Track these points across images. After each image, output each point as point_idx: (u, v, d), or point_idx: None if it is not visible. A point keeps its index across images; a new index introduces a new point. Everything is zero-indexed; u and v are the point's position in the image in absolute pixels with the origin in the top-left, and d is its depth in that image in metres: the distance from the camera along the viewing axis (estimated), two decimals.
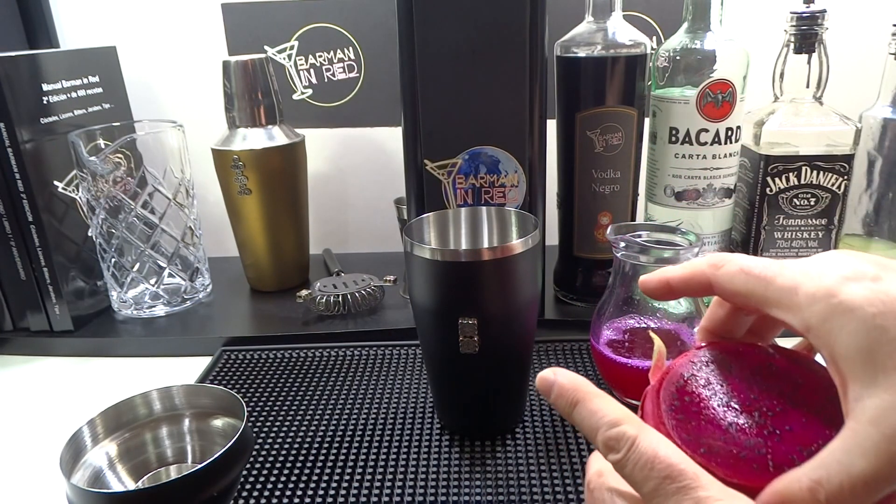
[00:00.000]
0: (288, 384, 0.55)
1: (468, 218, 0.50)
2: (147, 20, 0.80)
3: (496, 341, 0.44)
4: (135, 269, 0.68)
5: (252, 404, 0.53)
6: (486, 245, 0.50)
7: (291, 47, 0.80)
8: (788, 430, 0.23)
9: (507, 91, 0.54)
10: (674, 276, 0.27)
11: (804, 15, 0.59)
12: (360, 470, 0.45)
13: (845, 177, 0.61)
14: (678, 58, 0.60)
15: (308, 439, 0.48)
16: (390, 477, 0.44)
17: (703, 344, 0.27)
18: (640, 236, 0.49)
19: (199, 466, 0.36)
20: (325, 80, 0.81)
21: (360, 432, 0.49)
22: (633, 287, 0.49)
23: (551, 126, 0.60)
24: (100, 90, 0.71)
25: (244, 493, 0.43)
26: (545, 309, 0.65)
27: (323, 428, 0.49)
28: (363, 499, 0.42)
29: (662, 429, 0.23)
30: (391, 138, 0.82)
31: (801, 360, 0.26)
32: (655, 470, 0.21)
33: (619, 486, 0.24)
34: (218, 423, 0.43)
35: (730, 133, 0.60)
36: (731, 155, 0.61)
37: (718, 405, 0.24)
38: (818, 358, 0.26)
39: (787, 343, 0.27)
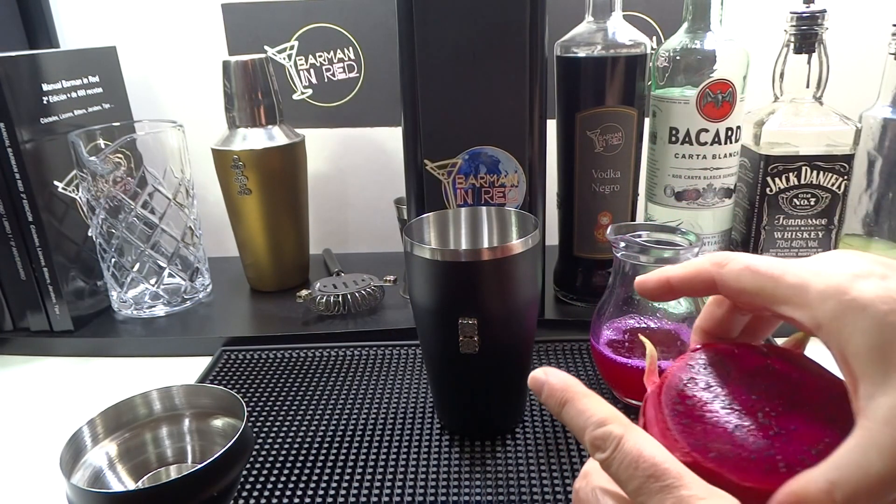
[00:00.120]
0: (288, 384, 0.55)
1: (468, 218, 0.50)
2: (147, 20, 0.80)
3: (496, 341, 0.44)
4: (135, 269, 0.68)
5: (252, 404, 0.53)
6: (486, 245, 0.50)
7: (291, 47, 0.80)
8: (794, 430, 0.22)
9: (507, 91, 0.54)
10: (675, 275, 0.27)
11: (804, 15, 0.59)
12: (360, 470, 0.45)
13: (845, 177, 0.61)
14: (678, 58, 0.60)
15: (308, 439, 0.48)
16: (390, 477, 0.44)
17: (699, 346, 0.27)
18: (640, 236, 0.49)
19: (199, 466, 0.36)
20: (325, 80, 0.81)
21: (360, 432, 0.49)
22: (633, 287, 0.49)
23: (551, 126, 0.60)
24: (100, 90, 0.71)
25: (244, 493, 0.43)
26: (545, 309, 0.65)
27: (323, 428, 0.49)
28: (363, 499, 0.42)
29: (669, 435, 0.23)
30: (391, 138, 0.82)
31: (796, 359, 0.25)
32: (640, 469, 0.21)
33: (607, 485, 0.24)
34: (218, 423, 0.43)
35: (730, 133, 0.60)
36: (731, 155, 0.61)
37: (721, 408, 0.24)
38: (813, 356, 0.26)
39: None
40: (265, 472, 0.45)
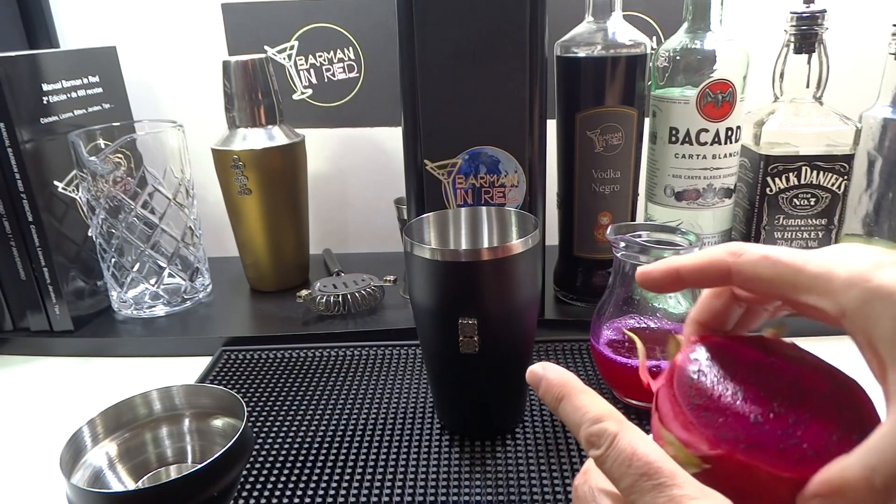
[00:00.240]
0: (288, 384, 0.55)
1: (468, 218, 0.50)
2: (147, 20, 0.80)
3: (496, 341, 0.44)
4: (135, 269, 0.68)
5: (252, 404, 0.53)
6: (486, 245, 0.50)
7: (291, 47, 0.80)
8: (809, 417, 0.22)
9: (507, 91, 0.54)
10: (685, 265, 0.26)
11: (804, 15, 0.59)
12: (360, 470, 0.45)
13: (845, 177, 0.61)
14: (678, 58, 0.60)
15: (308, 439, 0.48)
16: (390, 477, 0.44)
17: (696, 339, 0.26)
18: (640, 236, 0.49)
19: (199, 466, 0.36)
20: (325, 80, 0.81)
21: (360, 432, 0.49)
22: (633, 287, 0.49)
23: (551, 126, 0.60)
24: (100, 90, 0.71)
25: (244, 493, 0.43)
26: (545, 309, 0.65)
27: (323, 428, 0.49)
28: (363, 499, 0.42)
29: (693, 429, 0.23)
30: (391, 138, 0.82)
31: (790, 349, 0.25)
32: (633, 467, 0.21)
33: (605, 485, 0.24)
34: (218, 423, 0.43)
35: (730, 133, 0.60)
36: (731, 155, 0.61)
37: (738, 400, 0.23)
38: (807, 349, 0.26)
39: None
40: (265, 472, 0.45)
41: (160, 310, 0.69)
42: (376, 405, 0.52)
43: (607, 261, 0.61)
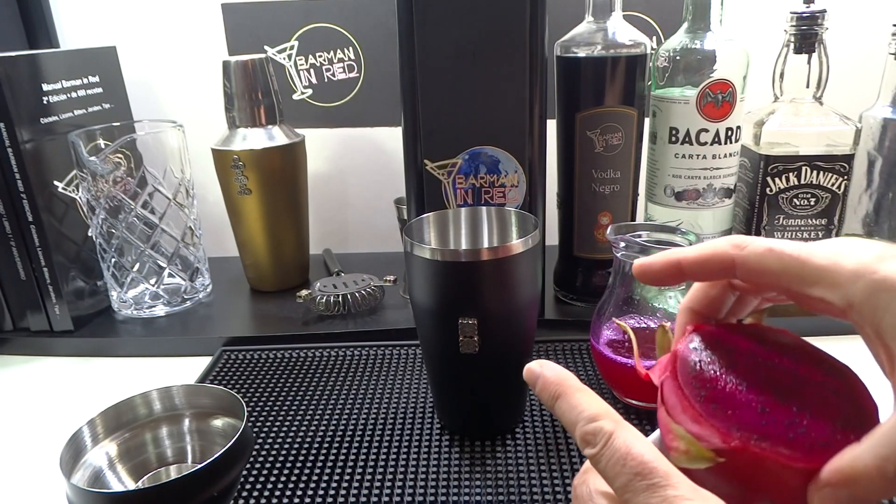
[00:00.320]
0: (288, 384, 0.55)
1: (468, 218, 0.50)
2: (147, 20, 0.80)
3: (496, 341, 0.44)
4: (135, 269, 0.68)
5: (252, 404, 0.53)
6: (486, 245, 0.50)
7: (291, 47, 0.80)
8: (811, 405, 0.22)
9: (507, 91, 0.54)
10: (687, 257, 0.26)
11: (804, 15, 0.59)
12: (360, 470, 0.45)
13: (845, 177, 0.61)
14: (678, 58, 0.60)
15: (308, 439, 0.48)
16: (390, 477, 0.44)
17: (692, 328, 0.26)
18: (640, 236, 0.49)
19: (199, 466, 0.36)
20: (325, 80, 0.81)
21: (360, 432, 0.49)
22: (634, 287, 0.49)
23: (551, 126, 0.60)
24: (100, 90, 0.71)
25: (244, 493, 0.43)
26: (545, 309, 0.65)
27: (323, 428, 0.49)
28: (363, 499, 0.42)
29: (704, 421, 0.22)
30: (391, 138, 0.82)
31: (782, 335, 0.25)
32: (627, 466, 0.21)
33: (603, 487, 0.24)
34: (218, 423, 0.43)
35: (730, 133, 0.60)
36: (731, 155, 0.61)
37: (743, 390, 0.23)
38: (809, 343, 0.26)
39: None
40: (265, 472, 0.45)
41: (160, 310, 0.69)
42: (376, 405, 0.52)
43: (607, 261, 0.61)
